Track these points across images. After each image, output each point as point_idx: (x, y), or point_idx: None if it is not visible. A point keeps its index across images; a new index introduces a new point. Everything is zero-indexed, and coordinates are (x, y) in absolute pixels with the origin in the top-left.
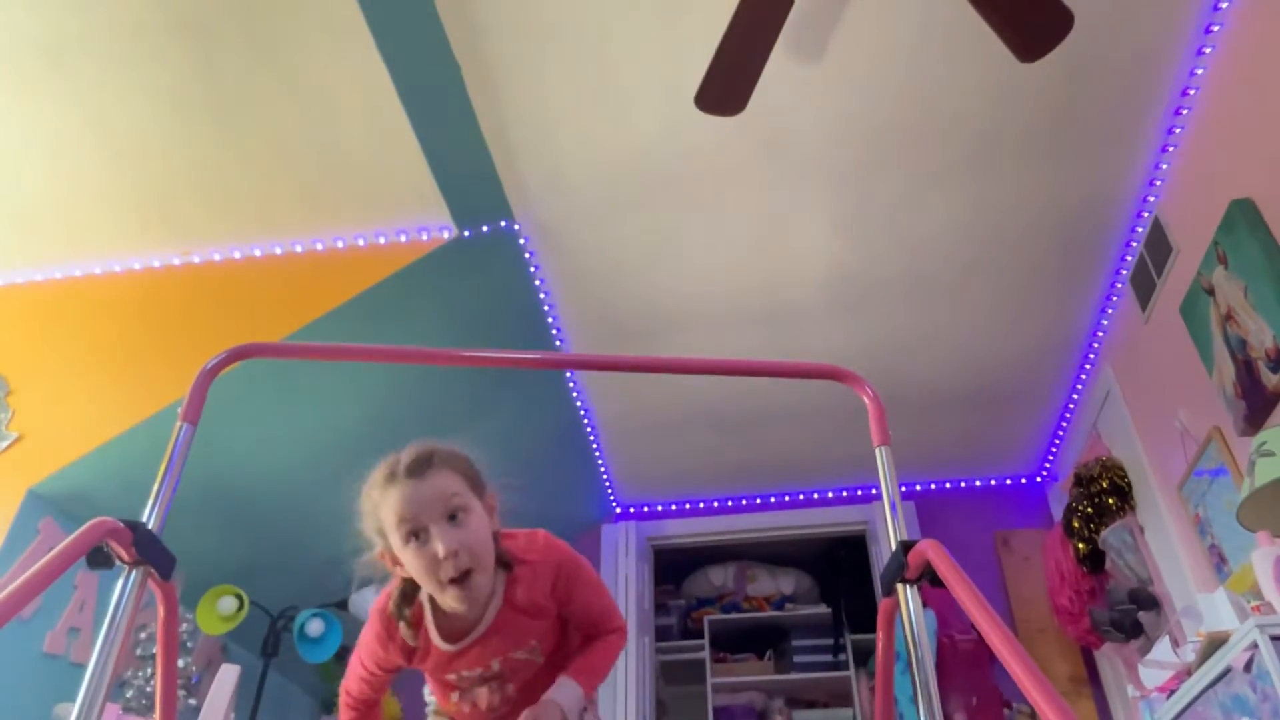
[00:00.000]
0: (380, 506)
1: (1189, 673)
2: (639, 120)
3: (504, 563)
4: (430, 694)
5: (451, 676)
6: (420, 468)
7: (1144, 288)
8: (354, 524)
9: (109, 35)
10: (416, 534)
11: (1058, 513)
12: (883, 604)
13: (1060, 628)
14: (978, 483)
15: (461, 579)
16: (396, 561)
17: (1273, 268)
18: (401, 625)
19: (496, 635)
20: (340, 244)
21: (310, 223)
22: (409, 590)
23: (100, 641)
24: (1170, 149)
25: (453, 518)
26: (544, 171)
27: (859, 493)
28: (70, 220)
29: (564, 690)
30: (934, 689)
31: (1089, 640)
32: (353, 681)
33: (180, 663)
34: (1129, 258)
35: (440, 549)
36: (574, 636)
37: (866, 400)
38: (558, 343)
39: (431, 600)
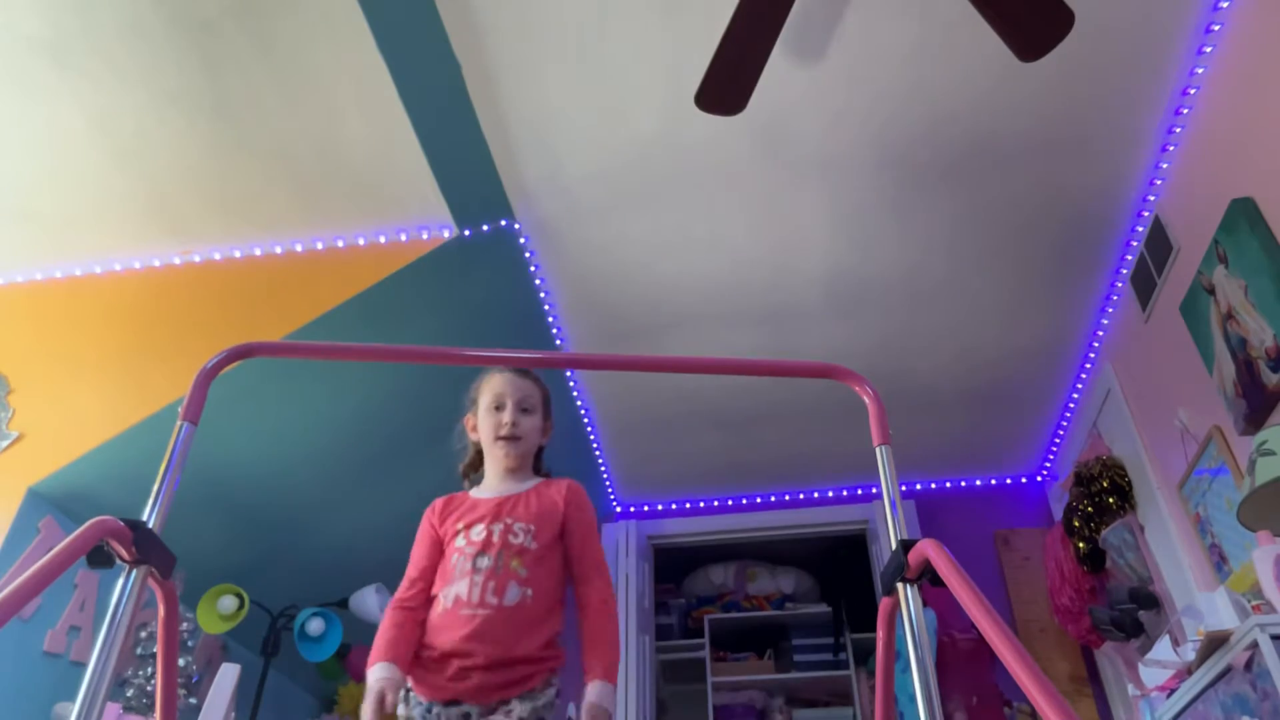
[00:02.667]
0: (485, 384)
1: (1189, 672)
2: (639, 120)
3: (540, 471)
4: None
5: (462, 542)
6: (522, 373)
7: (1144, 287)
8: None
9: (110, 35)
10: (499, 406)
11: (1058, 512)
12: (883, 603)
13: (1060, 627)
14: (978, 482)
15: (510, 439)
16: (474, 428)
17: (1273, 267)
18: (463, 475)
19: (513, 504)
20: (340, 243)
21: (310, 222)
22: (475, 458)
23: (101, 640)
24: (1171, 148)
25: (524, 409)
26: (544, 170)
27: (859, 492)
28: (71, 219)
29: (600, 692)
30: (934, 688)
31: (1089, 639)
32: (402, 586)
33: (181, 662)
34: (1129, 257)
35: (507, 416)
36: (561, 586)
37: (866, 399)
38: (558, 342)
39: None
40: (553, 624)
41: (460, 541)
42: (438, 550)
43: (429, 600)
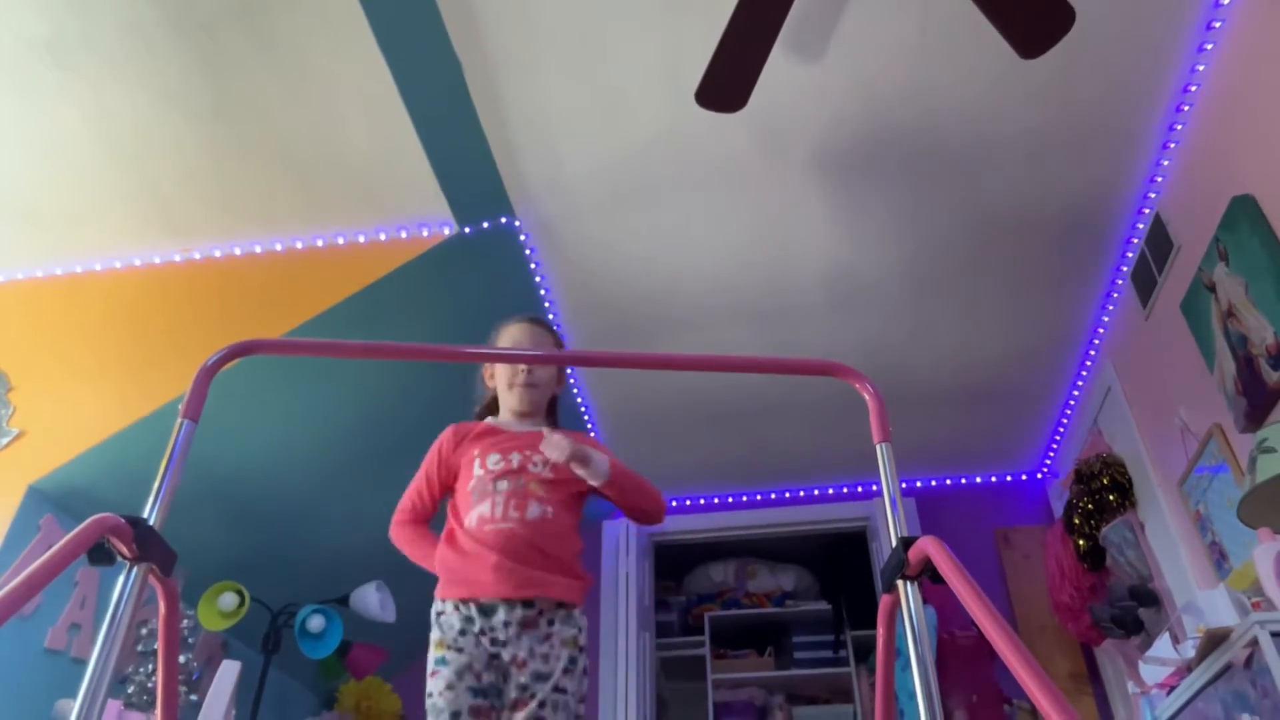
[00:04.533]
0: (504, 332)
1: (1189, 669)
2: (640, 117)
3: (552, 416)
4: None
5: (479, 470)
6: (538, 322)
7: (1145, 284)
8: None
9: (110, 33)
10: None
11: (1058, 509)
12: (883, 600)
13: (1061, 624)
14: (978, 479)
15: (527, 385)
16: (491, 375)
17: (1274, 264)
18: (478, 419)
19: (529, 438)
20: (341, 240)
21: (311, 219)
22: (491, 403)
23: (101, 638)
24: (1171, 145)
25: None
26: (544, 168)
27: (859, 489)
28: (71, 217)
29: (589, 442)
30: (934, 685)
31: (1089, 637)
32: (405, 500)
33: (181, 659)
34: (1130, 254)
35: (523, 363)
36: (577, 515)
37: (867, 397)
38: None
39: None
40: (575, 539)
41: (477, 470)
42: (442, 475)
43: (427, 515)
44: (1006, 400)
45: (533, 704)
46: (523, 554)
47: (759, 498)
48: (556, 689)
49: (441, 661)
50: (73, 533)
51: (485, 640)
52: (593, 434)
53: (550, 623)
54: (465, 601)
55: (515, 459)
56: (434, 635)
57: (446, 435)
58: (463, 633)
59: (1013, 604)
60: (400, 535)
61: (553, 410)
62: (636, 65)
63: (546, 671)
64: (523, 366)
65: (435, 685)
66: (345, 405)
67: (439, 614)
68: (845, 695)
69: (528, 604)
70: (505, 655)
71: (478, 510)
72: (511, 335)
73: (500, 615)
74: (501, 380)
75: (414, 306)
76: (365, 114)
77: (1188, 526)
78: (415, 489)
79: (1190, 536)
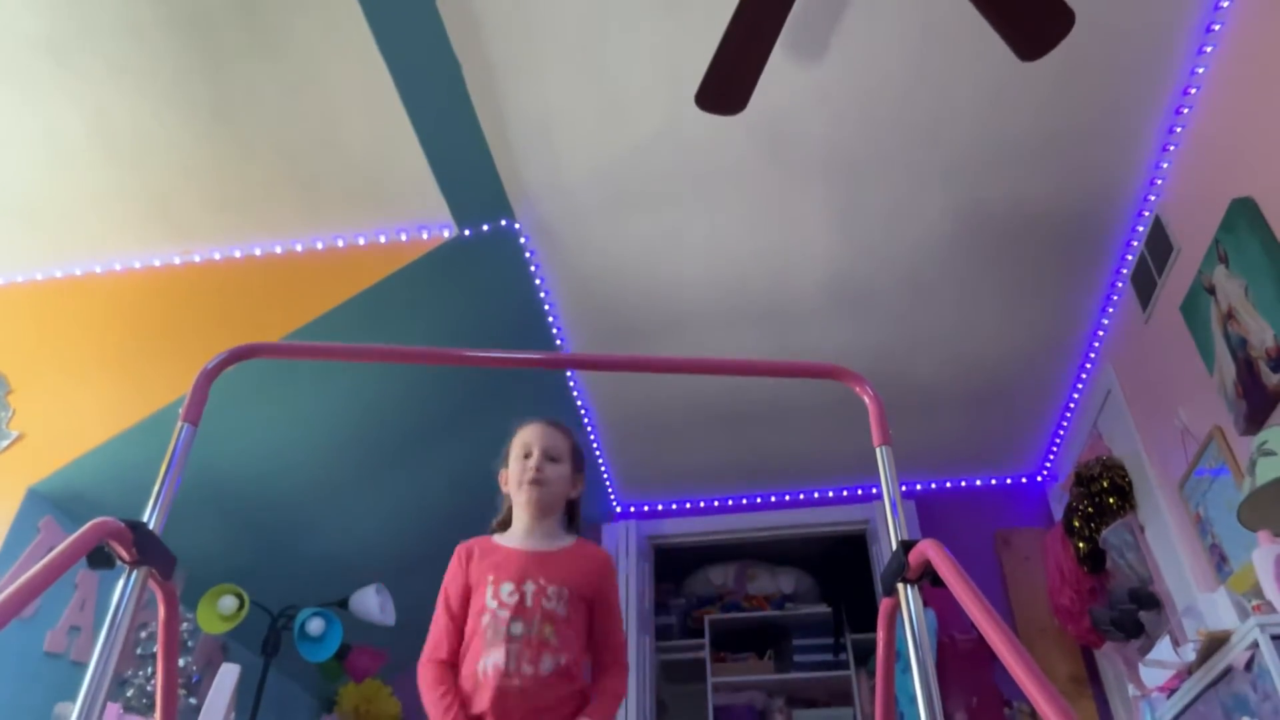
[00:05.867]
0: (517, 435)
1: (1189, 672)
2: (640, 119)
3: (572, 525)
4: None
5: (492, 603)
6: (553, 423)
7: (1145, 287)
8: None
9: (109, 34)
10: (526, 454)
11: (1058, 512)
12: (883, 603)
13: (1061, 627)
14: (978, 482)
15: (535, 483)
16: (506, 480)
17: (1273, 267)
18: (494, 533)
19: (542, 561)
20: (340, 243)
21: (310, 221)
22: (508, 515)
23: (101, 641)
24: (1171, 148)
25: (551, 458)
26: (544, 170)
27: (859, 492)
28: (71, 218)
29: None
30: (934, 688)
31: (1089, 640)
32: (435, 637)
33: (181, 662)
34: (1130, 256)
35: (533, 462)
36: (586, 640)
37: (867, 400)
38: (558, 342)
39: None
40: (581, 676)
41: (490, 602)
42: (467, 595)
43: (454, 654)
44: (1006, 403)
45: None
46: (531, 708)
47: (759, 500)
48: None
49: None
50: (73, 536)
51: None
52: (593, 437)
53: None
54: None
55: (529, 590)
56: None
57: (458, 558)
58: None
59: (1013, 607)
60: (429, 677)
61: (573, 518)
62: (636, 67)
63: None
64: (532, 464)
65: None
66: (345, 408)
67: None
68: (845, 698)
69: None
70: None
71: (492, 659)
72: (523, 437)
73: None
74: (513, 480)
75: (414, 309)
76: (365, 116)
77: (1188, 529)
78: (443, 625)
79: (1190, 539)
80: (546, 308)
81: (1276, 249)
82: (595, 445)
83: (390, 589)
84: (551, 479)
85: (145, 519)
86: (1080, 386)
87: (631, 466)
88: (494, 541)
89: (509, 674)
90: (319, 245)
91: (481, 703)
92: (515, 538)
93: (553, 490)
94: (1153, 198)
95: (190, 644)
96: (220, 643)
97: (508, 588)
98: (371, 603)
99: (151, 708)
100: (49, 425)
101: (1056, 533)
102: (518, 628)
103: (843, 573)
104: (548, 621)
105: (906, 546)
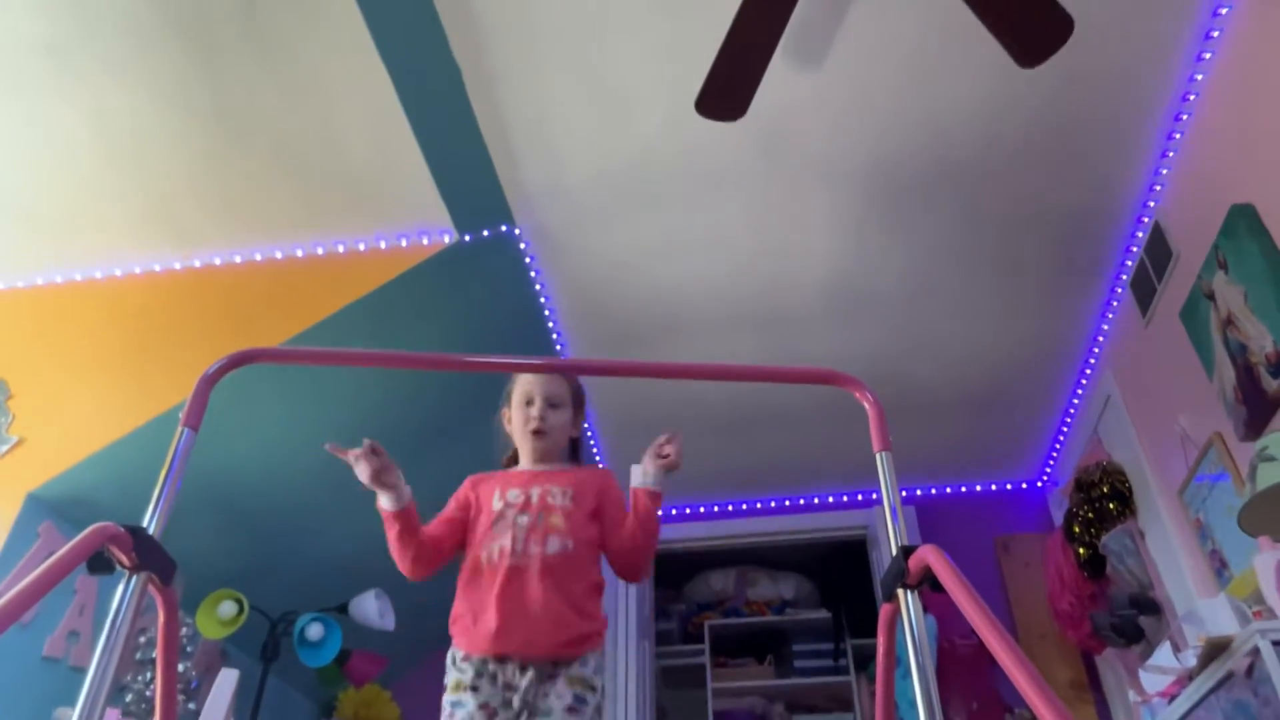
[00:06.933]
0: (518, 379)
1: (1190, 678)
2: (640, 125)
3: (575, 455)
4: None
5: (499, 504)
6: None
7: (1144, 292)
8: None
9: (110, 37)
10: (529, 401)
11: (1058, 518)
12: (883, 609)
13: (1061, 633)
14: (978, 488)
15: (538, 434)
16: (509, 420)
17: (1273, 273)
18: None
19: (549, 475)
20: (341, 248)
21: (311, 226)
22: (513, 455)
23: (101, 646)
24: (1171, 154)
25: (552, 405)
26: (544, 175)
27: (859, 498)
28: (71, 223)
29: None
30: (935, 694)
31: (1090, 645)
32: (429, 525)
33: (180, 667)
34: (1129, 262)
35: (535, 411)
36: (598, 549)
37: (867, 405)
38: (558, 347)
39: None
40: (594, 573)
41: (497, 503)
42: (464, 512)
43: (436, 543)
44: (1006, 408)
45: None
46: (541, 597)
47: (759, 506)
48: None
49: (458, 704)
50: (73, 541)
51: (499, 684)
52: (593, 443)
53: (555, 672)
54: (473, 658)
55: (535, 492)
56: (449, 678)
57: (467, 482)
58: (479, 674)
59: (1013, 612)
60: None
61: (575, 453)
62: (636, 73)
63: (546, 708)
64: (535, 414)
65: None
66: (345, 414)
67: (453, 659)
68: (845, 704)
69: (532, 660)
70: (516, 701)
71: (498, 543)
72: (524, 383)
73: (510, 670)
74: (516, 427)
75: (414, 315)
76: (365, 121)
77: (1188, 535)
78: (440, 518)
79: (1191, 545)
80: (546, 313)
81: (1276, 255)
82: (595, 450)
83: (389, 594)
84: (554, 427)
85: (145, 524)
86: (1080, 392)
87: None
88: (505, 472)
89: (516, 554)
90: (319, 250)
91: (490, 589)
92: (523, 467)
93: (555, 437)
94: (1152, 204)
95: (189, 649)
96: (219, 648)
97: (515, 491)
98: (371, 608)
99: (151, 713)
100: (49, 430)
101: (1057, 538)
102: (524, 519)
103: (843, 578)
104: (554, 512)
105: (906, 552)
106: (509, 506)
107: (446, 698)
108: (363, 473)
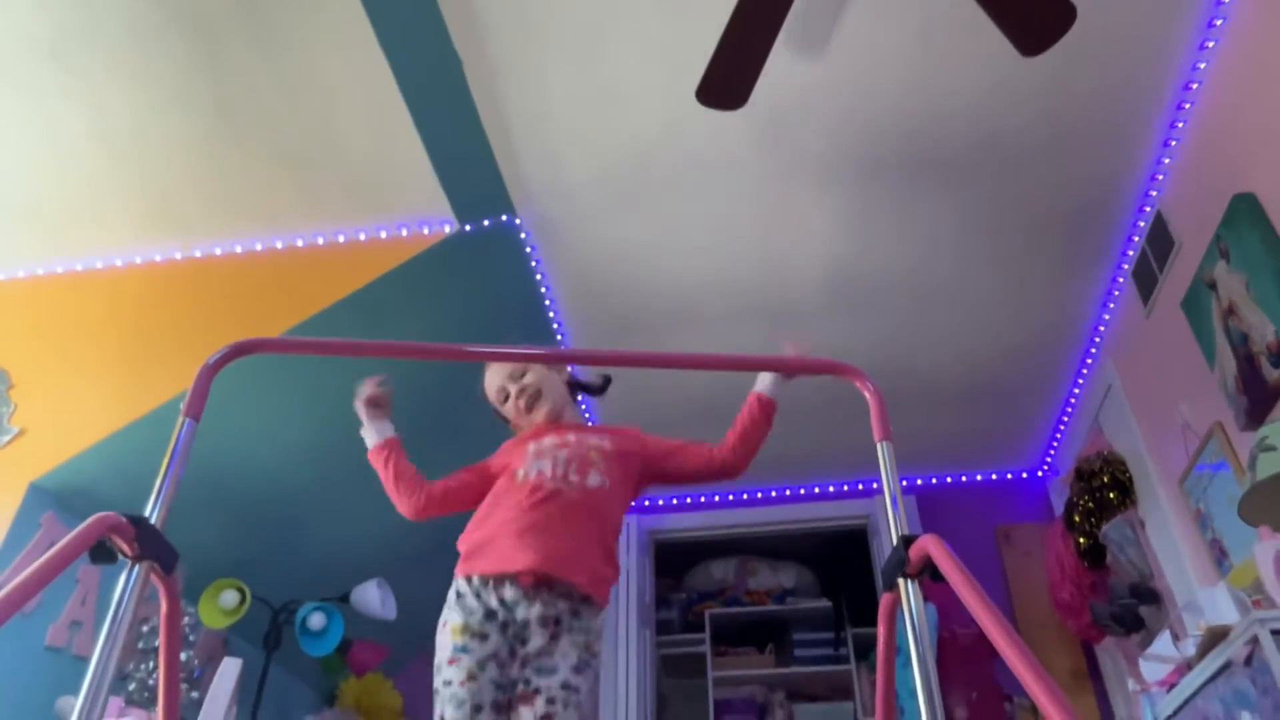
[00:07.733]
0: (485, 386)
1: (1190, 667)
2: (640, 115)
3: (589, 389)
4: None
5: (535, 447)
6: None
7: (1146, 282)
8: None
9: (110, 31)
10: (505, 395)
11: (1059, 507)
12: (884, 598)
13: (1061, 622)
14: (979, 477)
15: (532, 402)
16: (511, 423)
17: (1274, 262)
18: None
19: (583, 427)
20: (341, 238)
21: (311, 217)
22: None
23: (103, 636)
24: (1173, 143)
25: (520, 376)
26: (545, 166)
27: (860, 487)
28: (72, 215)
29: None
30: (935, 683)
31: (1090, 634)
32: (450, 474)
33: (182, 656)
34: (1131, 252)
35: (515, 392)
36: (628, 500)
37: (867, 395)
38: (559, 338)
39: None
40: (619, 517)
41: (532, 447)
42: (484, 477)
43: (445, 487)
44: (1007, 398)
45: (540, 701)
46: (564, 525)
47: (760, 495)
48: (565, 686)
49: (463, 649)
50: (74, 531)
51: (509, 632)
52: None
53: (564, 621)
54: (486, 584)
55: (571, 437)
56: (453, 619)
57: (501, 448)
58: (488, 617)
59: (1013, 601)
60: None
61: (584, 388)
62: (637, 63)
63: (551, 666)
64: (516, 394)
65: (455, 674)
66: (346, 403)
67: (459, 595)
68: (845, 693)
69: (548, 586)
70: (520, 651)
71: (538, 465)
72: (490, 385)
73: (520, 611)
74: (517, 418)
75: (415, 305)
76: (366, 112)
77: (1188, 524)
78: (454, 474)
79: (1191, 534)
80: (547, 303)
81: (1277, 244)
82: None
83: (391, 583)
84: (539, 387)
85: (147, 514)
86: (1081, 382)
87: None
88: (533, 426)
89: (557, 477)
90: (320, 241)
91: (517, 503)
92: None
93: (550, 396)
94: (1154, 193)
95: (192, 638)
96: (222, 637)
97: (551, 438)
98: (373, 597)
99: (153, 702)
100: (50, 421)
101: (1057, 528)
102: (563, 453)
103: (843, 567)
104: (592, 450)
105: (907, 541)
106: (545, 450)
107: (448, 639)
108: (363, 391)
